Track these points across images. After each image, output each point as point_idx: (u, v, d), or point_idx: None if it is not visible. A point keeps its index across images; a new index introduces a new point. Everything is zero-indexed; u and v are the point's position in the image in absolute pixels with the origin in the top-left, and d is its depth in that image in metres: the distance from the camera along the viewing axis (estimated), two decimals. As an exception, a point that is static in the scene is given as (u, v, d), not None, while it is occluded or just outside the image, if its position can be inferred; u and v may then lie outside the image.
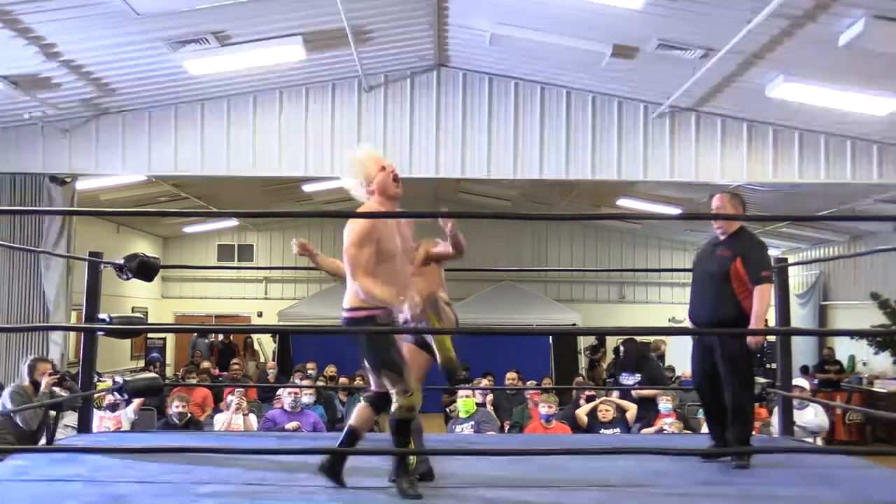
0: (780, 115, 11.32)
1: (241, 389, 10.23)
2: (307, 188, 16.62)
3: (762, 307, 5.07)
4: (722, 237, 5.41)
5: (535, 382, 12.61)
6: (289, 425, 8.77)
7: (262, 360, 19.91)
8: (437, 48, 11.40)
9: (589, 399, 10.16)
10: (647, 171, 11.89)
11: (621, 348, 11.89)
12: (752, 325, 5.05)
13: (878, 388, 16.09)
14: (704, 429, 8.95)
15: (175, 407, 9.15)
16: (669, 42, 9.57)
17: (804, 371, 16.81)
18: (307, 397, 9.73)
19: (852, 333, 17.15)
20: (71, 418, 8.09)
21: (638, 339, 11.64)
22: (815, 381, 16.27)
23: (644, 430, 9.45)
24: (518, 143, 11.89)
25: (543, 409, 9.01)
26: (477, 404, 9.54)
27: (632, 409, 9.73)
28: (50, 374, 6.88)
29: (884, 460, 6.27)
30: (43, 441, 6.57)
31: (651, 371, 10.50)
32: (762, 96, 10.40)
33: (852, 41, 8.32)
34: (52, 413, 6.33)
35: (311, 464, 4.84)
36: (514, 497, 4.29)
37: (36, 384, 6.96)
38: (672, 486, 4.56)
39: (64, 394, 6.94)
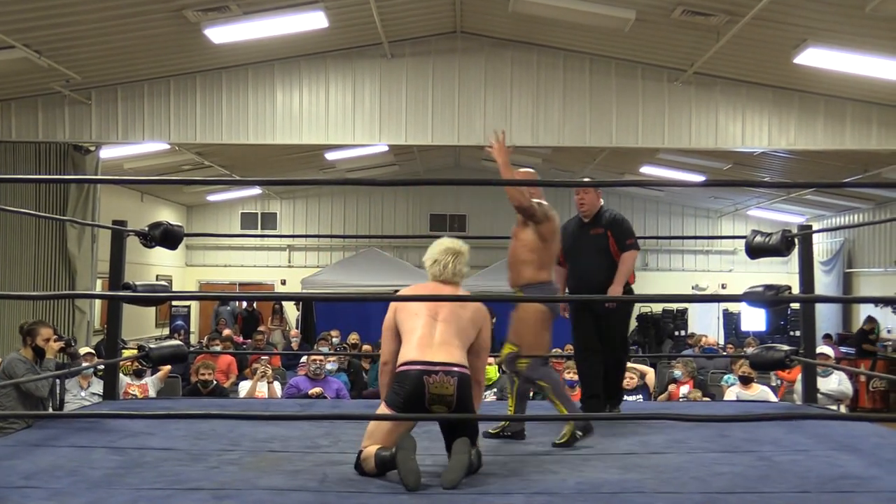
0: (806, 82, 11.21)
1: (266, 357, 10.32)
2: (329, 156, 16.63)
3: (625, 269, 5.93)
4: (586, 218, 6.26)
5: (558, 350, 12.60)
6: (312, 391, 8.83)
7: (287, 328, 19.86)
8: (459, 15, 11.34)
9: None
10: (668, 138, 11.83)
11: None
12: (614, 286, 5.75)
13: (903, 355, 16.00)
14: (728, 395, 8.99)
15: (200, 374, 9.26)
16: (694, 7, 9.49)
17: (830, 338, 16.75)
18: (331, 364, 9.79)
19: (877, 301, 17.01)
20: (97, 386, 8.17)
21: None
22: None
23: (660, 398, 9.50)
24: (539, 110, 11.86)
25: (567, 376, 9.05)
26: None
27: (650, 374, 9.77)
28: (55, 340, 6.69)
29: (907, 428, 6.25)
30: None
31: None
32: (788, 62, 10.30)
33: (879, 6, 8.23)
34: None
35: (335, 430, 4.89)
36: (533, 464, 4.32)
37: (37, 349, 6.63)
38: (693, 453, 4.58)
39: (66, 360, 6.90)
